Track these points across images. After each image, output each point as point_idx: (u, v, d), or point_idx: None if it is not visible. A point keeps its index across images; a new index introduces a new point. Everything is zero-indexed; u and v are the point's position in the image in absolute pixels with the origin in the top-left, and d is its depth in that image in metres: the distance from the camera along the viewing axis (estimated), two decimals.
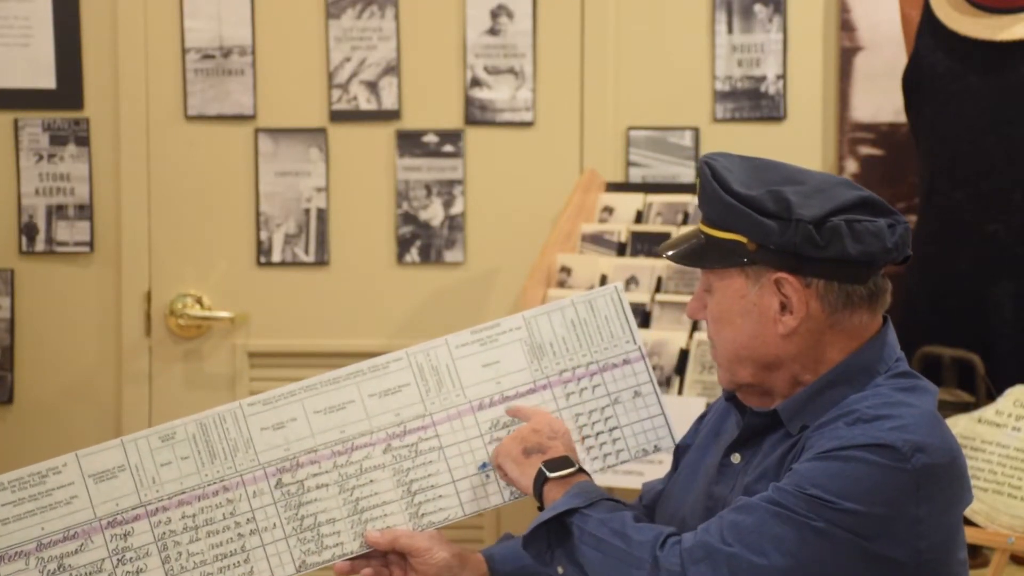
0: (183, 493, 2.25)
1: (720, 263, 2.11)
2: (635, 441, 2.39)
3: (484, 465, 2.33)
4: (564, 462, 2.21)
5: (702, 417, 2.36)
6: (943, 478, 2.02)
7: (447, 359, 2.34)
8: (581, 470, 2.21)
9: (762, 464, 2.11)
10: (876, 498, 1.96)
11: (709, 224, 2.13)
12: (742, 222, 2.08)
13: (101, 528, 2.22)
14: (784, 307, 2.09)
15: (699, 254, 2.14)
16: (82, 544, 2.21)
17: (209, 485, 2.25)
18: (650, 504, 2.38)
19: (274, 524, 2.25)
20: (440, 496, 2.31)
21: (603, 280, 3.58)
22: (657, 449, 2.39)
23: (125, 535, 2.22)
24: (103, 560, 2.21)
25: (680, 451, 2.36)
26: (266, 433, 2.28)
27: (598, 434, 2.37)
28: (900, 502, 1.97)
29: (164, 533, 2.23)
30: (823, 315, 2.09)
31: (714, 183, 2.10)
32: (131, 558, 2.22)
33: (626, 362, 2.40)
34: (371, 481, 2.29)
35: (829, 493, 1.96)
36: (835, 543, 1.96)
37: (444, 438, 2.32)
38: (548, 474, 2.18)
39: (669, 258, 2.19)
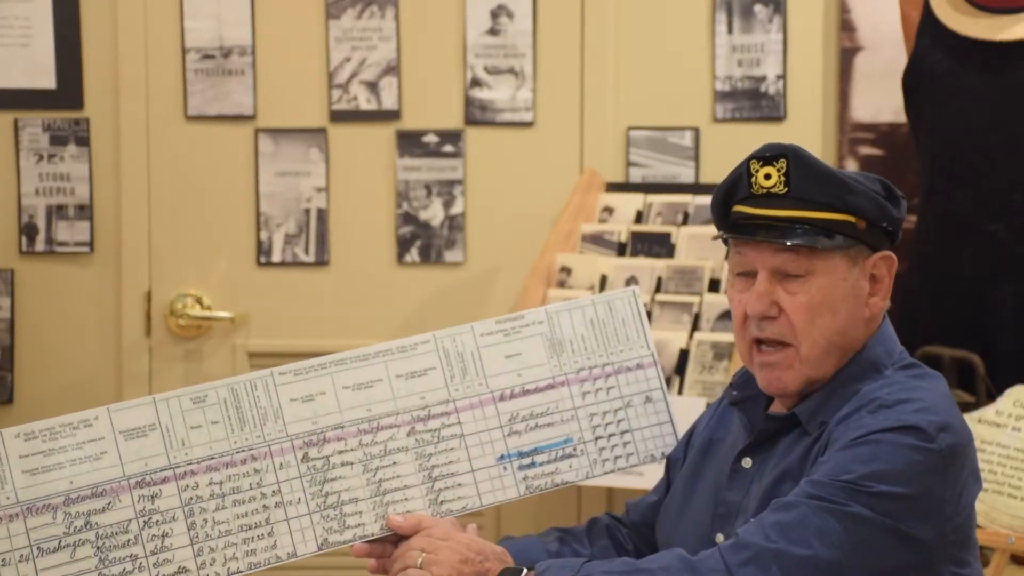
0: (211, 459, 2.23)
1: (838, 244, 2.10)
2: (644, 446, 2.40)
3: (502, 457, 2.34)
4: (512, 572, 2.14)
5: (691, 432, 2.37)
6: (963, 457, 2.05)
7: (472, 346, 2.35)
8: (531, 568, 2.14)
9: (780, 465, 2.12)
10: (907, 479, 1.99)
11: (812, 207, 2.09)
12: (861, 202, 2.09)
13: (129, 487, 2.19)
14: (871, 289, 2.13)
15: (810, 235, 2.10)
16: (110, 502, 2.18)
17: (237, 452, 2.24)
18: (640, 520, 2.38)
19: (299, 499, 2.25)
20: (459, 484, 2.31)
21: (603, 280, 3.58)
22: (664, 456, 2.41)
23: (152, 497, 2.20)
24: (130, 521, 2.18)
25: (671, 464, 2.37)
26: (295, 404, 2.27)
27: (610, 436, 2.38)
28: (929, 482, 2.00)
29: (191, 498, 2.21)
30: (888, 296, 2.15)
31: (821, 165, 2.11)
32: (157, 521, 2.19)
33: (639, 366, 2.41)
34: (394, 463, 2.29)
35: (863, 478, 1.98)
36: (874, 527, 1.98)
37: (466, 426, 2.33)
38: None
39: (781, 243, 2.10)
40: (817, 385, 2.14)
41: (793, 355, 2.12)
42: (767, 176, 2.12)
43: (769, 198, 2.12)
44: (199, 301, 3.92)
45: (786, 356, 2.13)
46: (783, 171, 2.11)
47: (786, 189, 2.10)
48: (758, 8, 3.88)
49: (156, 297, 3.92)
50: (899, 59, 3.66)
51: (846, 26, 3.86)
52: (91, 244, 3.92)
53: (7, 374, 3.92)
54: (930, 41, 3.48)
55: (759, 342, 2.15)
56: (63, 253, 3.92)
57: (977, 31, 3.41)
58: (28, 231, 3.91)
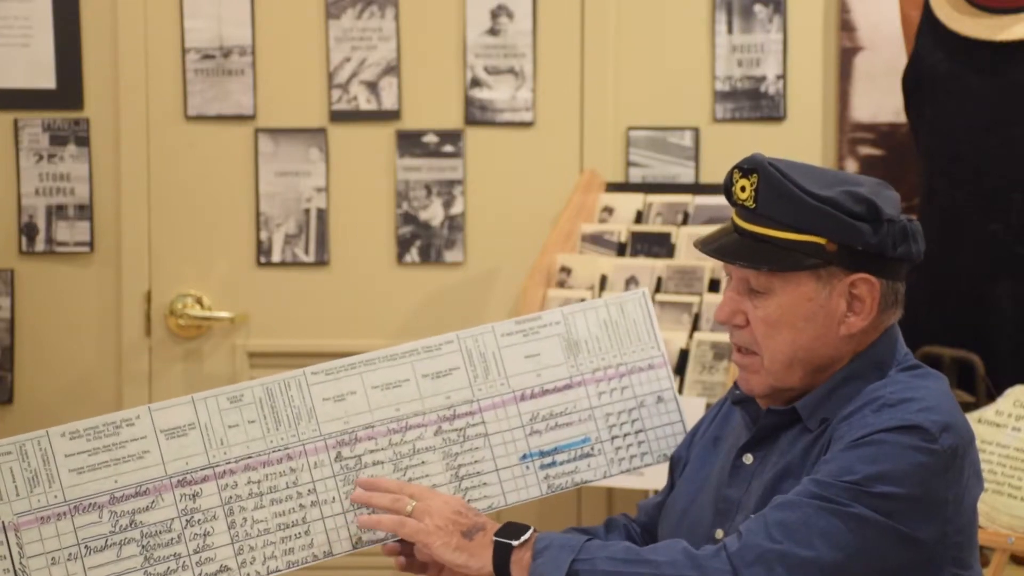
0: (249, 458, 2.24)
1: (793, 266, 2.09)
2: (657, 445, 2.44)
3: (524, 456, 2.36)
4: (514, 526, 2.14)
5: (693, 432, 2.38)
6: (965, 458, 2.05)
7: (493, 347, 2.38)
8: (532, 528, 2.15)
9: (781, 461, 2.13)
10: (910, 480, 1.99)
11: (776, 226, 2.09)
12: (827, 224, 2.07)
13: (171, 486, 2.20)
14: (849, 308, 2.10)
15: (767, 257, 2.11)
16: (153, 501, 2.19)
17: (274, 452, 2.25)
18: (647, 520, 2.39)
19: (333, 498, 2.26)
20: (484, 483, 2.34)
21: (603, 280, 3.58)
22: None
23: (194, 496, 2.21)
24: (173, 520, 2.19)
25: (675, 464, 2.38)
26: (327, 404, 2.29)
27: (625, 435, 2.41)
28: (932, 483, 2.00)
29: (231, 497, 2.22)
30: (876, 314, 2.12)
31: (790, 184, 2.08)
32: (199, 520, 2.20)
33: (651, 367, 2.45)
34: (423, 463, 2.31)
35: (866, 479, 1.98)
36: (877, 528, 1.98)
37: (489, 425, 2.35)
38: (513, 543, 2.11)
39: (728, 261, 2.14)
40: (793, 392, 2.15)
41: (759, 362, 2.15)
42: (743, 188, 2.13)
43: (745, 210, 2.13)
44: (199, 301, 3.92)
45: (753, 362, 2.16)
46: (754, 186, 2.11)
47: (755, 205, 2.11)
48: (758, 8, 3.88)
49: (156, 297, 3.93)
50: (899, 59, 3.66)
51: (846, 26, 3.86)
52: (91, 244, 3.92)
53: (7, 374, 3.92)
54: (930, 41, 3.48)
55: (736, 345, 2.19)
56: (63, 253, 3.92)
57: (977, 31, 3.41)
58: (28, 231, 3.91)
